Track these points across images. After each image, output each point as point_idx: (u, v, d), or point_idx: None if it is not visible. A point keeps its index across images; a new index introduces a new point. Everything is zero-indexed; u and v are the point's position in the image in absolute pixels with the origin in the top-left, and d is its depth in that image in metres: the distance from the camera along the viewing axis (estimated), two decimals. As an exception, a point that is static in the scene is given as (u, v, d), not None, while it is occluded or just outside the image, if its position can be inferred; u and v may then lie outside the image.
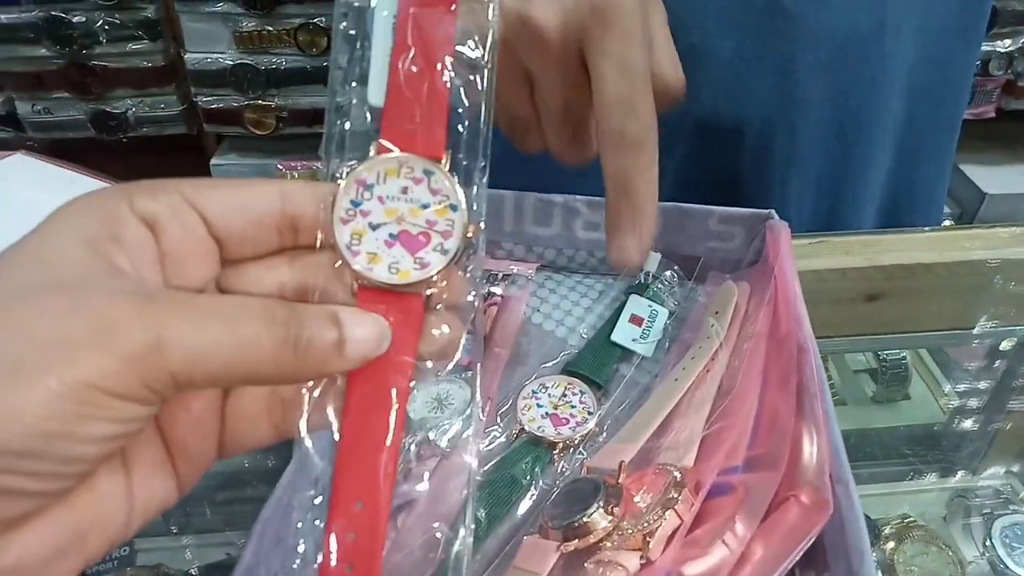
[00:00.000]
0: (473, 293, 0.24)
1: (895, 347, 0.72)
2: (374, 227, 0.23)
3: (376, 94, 0.24)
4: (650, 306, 0.48)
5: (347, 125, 0.24)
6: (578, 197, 0.50)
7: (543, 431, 0.41)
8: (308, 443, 0.23)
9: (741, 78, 0.57)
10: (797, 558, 0.31)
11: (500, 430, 0.41)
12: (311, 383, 0.23)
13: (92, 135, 1.24)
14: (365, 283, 0.23)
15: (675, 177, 0.61)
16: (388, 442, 0.23)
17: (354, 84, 0.24)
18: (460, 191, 0.24)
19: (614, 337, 0.46)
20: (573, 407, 0.42)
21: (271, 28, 1.13)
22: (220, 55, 1.16)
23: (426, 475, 0.38)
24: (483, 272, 0.25)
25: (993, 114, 1.31)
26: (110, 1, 1.10)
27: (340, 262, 0.24)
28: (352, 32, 0.24)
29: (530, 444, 0.40)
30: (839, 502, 0.33)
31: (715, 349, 0.43)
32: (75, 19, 1.11)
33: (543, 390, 0.43)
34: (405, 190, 0.24)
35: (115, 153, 1.32)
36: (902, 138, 0.64)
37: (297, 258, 0.24)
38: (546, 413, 0.42)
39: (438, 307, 0.24)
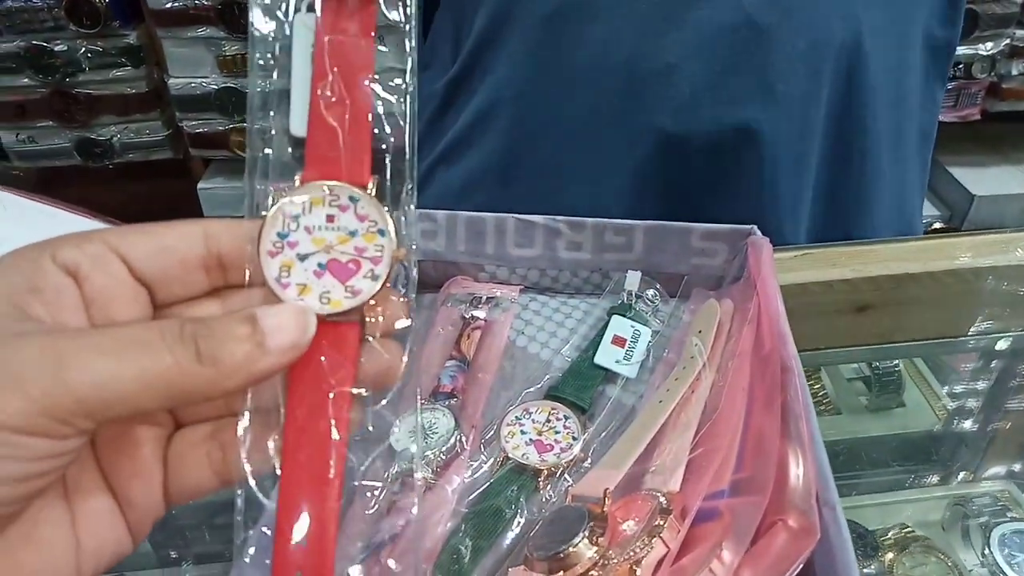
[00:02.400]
0: (410, 318, 0.24)
1: (886, 357, 0.72)
2: (302, 258, 0.23)
3: (298, 124, 0.24)
4: (632, 326, 0.47)
5: (269, 155, 0.24)
6: (559, 218, 0.50)
7: (527, 458, 0.40)
8: (252, 483, 0.22)
9: (718, 94, 0.57)
10: (786, 585, 0.31)
11: (485, 458, 0.41)
12: (246, 423, 0.23)
13: (78, 163, 1.23)
14: None
15: (657, 200, 0.60)
16: (331, 475, 0.22)
17: (273, 113, 0.24)
18: (388, 216, 0.23)
19: (597, 359, 0.46)
20: (557, 432, 0.42)
21: (254, 51, 1.13)
22: (204, 79, 1.16)
23: (413, 509, 0.38)
24: (414, 298, 0.25)
25: (978, 116, 1.31)
26: (92, 29, 1.10)
27: (266, 296, 0.23)
28: (270, 61, 0.24)
29: (515, 472, 0.40)
30: (826, 526, 0.32)
31: (699, 369, 0.43)
32: (57, 48, 1.11)
33: (527, 416, 0.42)
34: (331, 218, 0.23)
35: (103, 180, 1.31)
36: (894, 147, 0.64)
37: (228, 297, 0.25)
38: (530, 440, 0.41)
39: (376, 335, 0.24)
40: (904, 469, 0.74)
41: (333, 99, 0.23)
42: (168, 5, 1.08)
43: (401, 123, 0.24)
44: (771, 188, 0.59)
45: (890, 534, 0.68)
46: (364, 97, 0.24)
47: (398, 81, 0.24)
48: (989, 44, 1.22)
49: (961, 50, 1.23)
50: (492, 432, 0.42)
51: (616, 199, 0.61)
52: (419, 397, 0.43)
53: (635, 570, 0.32)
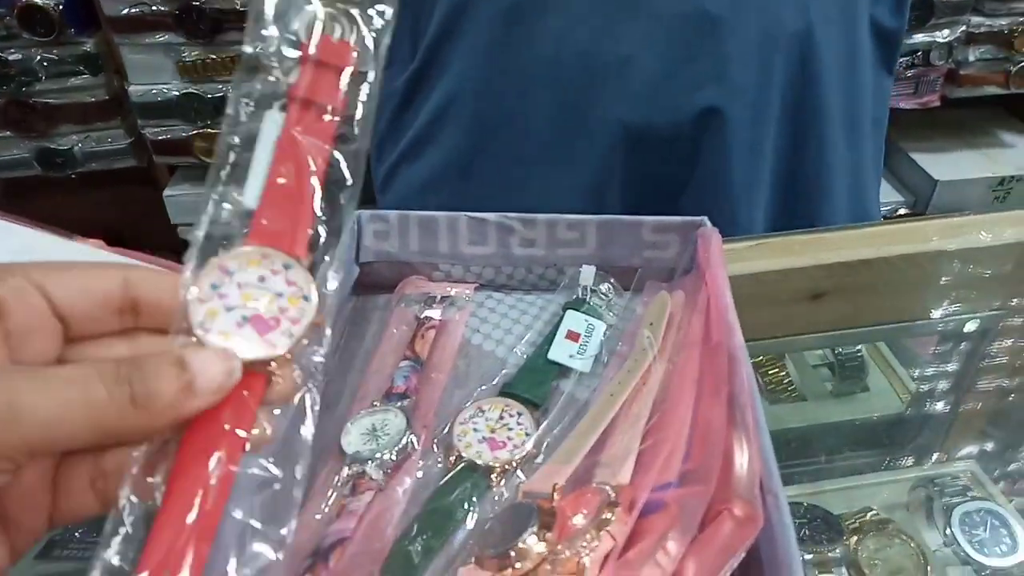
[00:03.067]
0: (300, 394, 0.26)
1: (845, 343, 0.72)
2: (228, 309, 0.25)
3: (251, 198, 0.27)
4: (587, 320, 0.48)
5: (222, 216, 0.27)
6: (511, 215, 0.50)
7: (480, 457, 0.40)
8: (124, 506, 0.23)
9: (675, 82, 0.57)
10: (729, 573, 0.31)
11: (437, 458, 0.41)
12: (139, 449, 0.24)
13: (39, 173, 1.22)
14: None
15: (622, 191, 0.61)
16: (208, 506, 0.23)
17: (225, 187, 0.27)
18: (314, 287, 0.26)
19: (551, 355, 0.46)
20: (510, 429, 0.42)
21: (214, 56, 1.12)
22: (165, 86, 1.14)
23: (360, 510, 0.38)
24: (321, 364, 0.27)
25: (938, 103, 1.33)
26: (46, 37, 1.08)
27: (187, 339, 0.25)
28: (236, 142, 0.27)
29: (467, 471, 0.40)
30: (769, 513, 0.33)
31: (649, 362, 0.43)
32: (11, 56, 1.09)
33: (479, 414, 0.42)
34: (263, 279, 0.26)
35: (67, 191, 1.29)
36: (848, 134, 0.64)
37: (136, 339, 0.26)
38: (483, 438, 0.41)
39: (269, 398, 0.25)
40: (869, 453, 0.74)
41: (284, 183, 0.27)
42: (124, 11, 1.07)
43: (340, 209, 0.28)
44: (728, 174, 0.60)
45: (855, 518, 0.68)
46: (311, 188, 0.27)
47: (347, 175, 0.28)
48: (946, 31, 1.23)
49: (919, 37, 1.25)
50: (445, 431, 0.42)
51: (579, 193, 0.61)
52: (372, 400, 0.43)
53: (583, 564, 0.32)
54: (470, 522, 0.38)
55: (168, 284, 0.26)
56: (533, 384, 0.44)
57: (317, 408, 0.26)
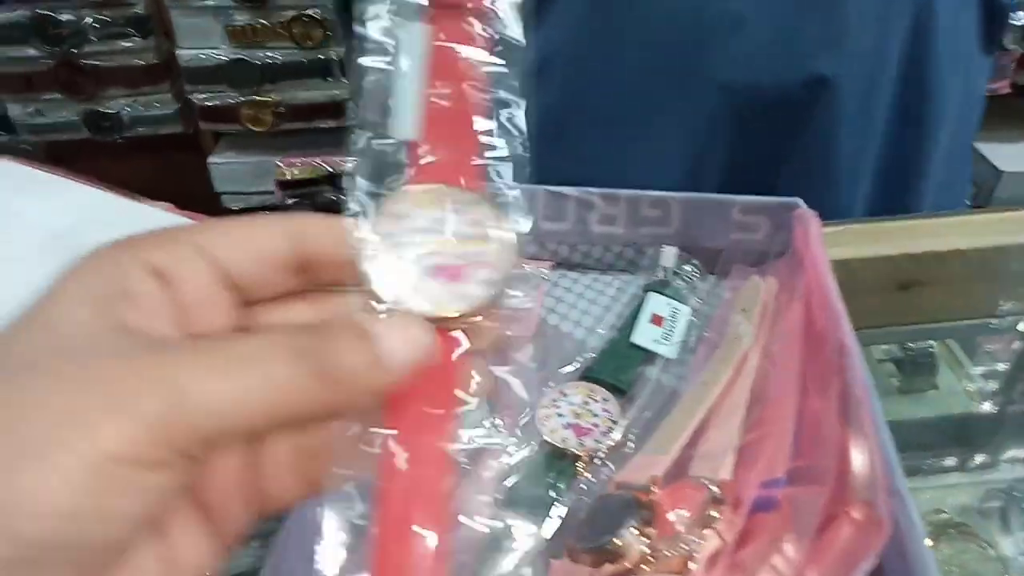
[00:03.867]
0: (510, 330, 0.22)
1: (925, 338, 0.69)
2: (409, 260, 0.21)
3: (405, 127, 0.23)
4: (670, 304, 0.45)
5: (373, 150, 0.23)
6: (592, 190, 0.48)
7: (566, 442, 0.38)
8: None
9: (787, 46, 0.54)
10: (856, 582, 0.29)
11: (519, 443, 0.39)
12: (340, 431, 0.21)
13: (86, 136, 1.21)
14: None
15: (720, 165, 0.58)
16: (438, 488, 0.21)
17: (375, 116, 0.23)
18: (502, 220, 0.22)
19: (634, 339, 0.43)
20: (595, 415, 0.40)
21: (264, 21, 1.10)
22: (213, 51, 1.13)
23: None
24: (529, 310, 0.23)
25: (1008, 89, 1.28)
26: (98, -2, 1.07)
27: (368, 300, 0.21)
28: (376, 64, 0.23)
29: (552, 457, 0.38)
30: (896, 518, 0.30)
31: (745, 350, 0.41)
32: (63, 18, 1.08)
33: (563, 398, 0.40)
34: (441, 221, 0.22)
35: (112, 154, 1.29)
36: (951, 115, 0.61)
37: (318, 300, 0.23)
38: (568, 423, 0.39)
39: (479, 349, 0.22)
40: (939, 453, 0.72)
41: (443, 104, 0.22)
42: (176, -27, 1.05)
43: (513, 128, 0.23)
44: (836, 149, 0.56)
45: (927, 520, 0.66)
46: (474, 103, 0.23)
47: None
48: (1021, 13, 1.18)
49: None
50: (526, 415, 0.40)
51: (674, 163, 0.58)
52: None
53: (689, 564, 0.30)
54: (559, 511, 0.36)
55: (336, 232, 0.22)
56: (618, 369, 0.42)
57: (534, 365, 0.23)
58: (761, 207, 0.47)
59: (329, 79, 1.15)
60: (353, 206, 0.22)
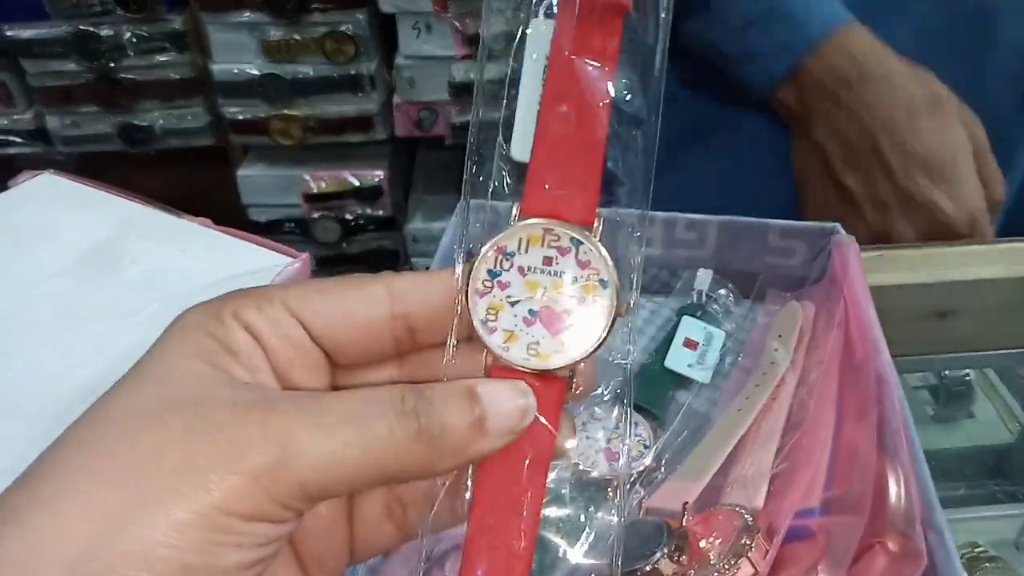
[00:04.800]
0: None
1: (962, 366, 0.68)
2: (513, 302, 0.21)
3: (521, 148, 0.21)
4: (705, 328, 0.45)
5: (490, 175, 0.22)
6: (628, 210, 0.47)
7: (597, 467, 0.38)
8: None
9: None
10: (891, 617, 0.28)
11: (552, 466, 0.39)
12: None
13: (120, 148, 1.23)
14: (500, 363, 0.21)
15: None
16: (520, 546, 0.21)
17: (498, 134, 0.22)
18: (612, 264, 0.21)
19: (668, 363, 0.43)
20: (627, 440, 0.39)
21: (298, 37, 1.12)
22: (247, 65, 1.14)
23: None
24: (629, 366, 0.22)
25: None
26: (137, 14, 1.09)
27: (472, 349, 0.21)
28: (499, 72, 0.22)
29: (583, 482, 0.37)
30: (932, 551, 0.30)
31: (780, 376, 0.40)
32: (103, 32, 1.10)
33: (594, 421, 0.40)
34: (549, 261, 0.21)
35: (143, 166, 1.31)
36: None
37: (408, 360, 0.23)
38: (599, 448, 0.39)
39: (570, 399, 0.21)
40: (974, 484, 0.70)
41: (563, 124, 0.21)
42: (214, -11, 1.07)
43: (636, 159, 0.22)
44: None
45: (961, 554, 0.64)
46: (599, 126, 0.21)
47: (637, 107, 0.22)
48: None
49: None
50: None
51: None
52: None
53: (723, 594, 0.30)
54: (588, 537, 0.35)
55: (440, 289, 0.21)
56: (650, 393, 0.42)
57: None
58: (798, 232, 0.47)
59: (360, 94, 1.16)
60: (464, 232, 0.22)
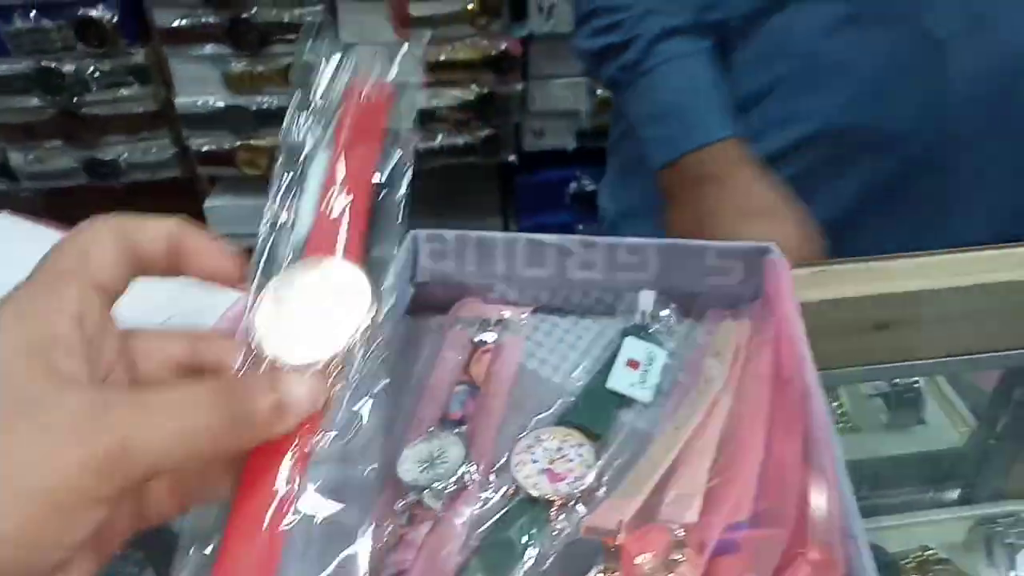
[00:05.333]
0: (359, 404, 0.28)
1: (907, 375, 0.70)
2: (289, 318, 0.27)
3: (303, 226, 0.30)
4: (647, 348, 0.46)
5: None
6: (572, 237, 0.49)
7: (539, 488, 0.39)
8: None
9: (887, 94, 0.59)
10: (810, 624, 0.29)
11: (494, 489, 0.40)
12: None
13: (85, 182, 1.23)
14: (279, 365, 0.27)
15: (852, 201, 0.63)
16: (264, 527, 0.24)
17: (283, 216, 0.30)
18: (368, 284, 0.28)
19: (610, 383, 0.44)
20: (570, 461, 0.40)
21: (261, 68, 1.13)
22: (211, 97, 1.16)
23: (418, 540, 0.37)
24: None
25: None
26: (99, 48, 1.10)
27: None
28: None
29: (526, 503, 0.38)
30: (850, 560, 0.31)
31: (715, 393, 0.41)
32: (65, 68, 1.11)
33: (538, 443, 0.41)
34: (317, 286, 0.28)
35: (110, 200, 1.31)
36: None
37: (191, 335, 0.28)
38: (542, 469, 0.40)
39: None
40: (925, 488, 0.72)
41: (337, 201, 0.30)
42: (176, 23, 1.08)
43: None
44: (944, 195, 0.63)
45: (911, 557, 0.66)
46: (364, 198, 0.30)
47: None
48: None
49: None
50: (503, 461, 0.41)
51: None
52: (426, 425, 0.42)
53: (653, 608, 0.31)
54: (529, 558, 0.36)
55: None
56: (594, 414, 0.43)
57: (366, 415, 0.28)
58: (735, 252, 0.48)
59: (324, 123, 1.18)
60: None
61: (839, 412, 0.78)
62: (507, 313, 0.50)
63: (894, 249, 0.59)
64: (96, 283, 0.25)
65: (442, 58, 1.08)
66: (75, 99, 1.14)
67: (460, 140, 1.08)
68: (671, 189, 0.62)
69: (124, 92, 1.16)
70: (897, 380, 0.76)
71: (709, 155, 0.60)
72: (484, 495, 0.39)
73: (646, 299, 0.49)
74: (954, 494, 0.71)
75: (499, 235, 0.49)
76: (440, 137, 1.06)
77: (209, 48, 1.12)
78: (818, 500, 0.33)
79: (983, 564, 0.66)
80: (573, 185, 1.38)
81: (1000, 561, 0.64)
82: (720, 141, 0.60)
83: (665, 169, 0.62)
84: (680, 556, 0.33)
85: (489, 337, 0.48)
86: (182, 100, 1.16)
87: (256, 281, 0.29)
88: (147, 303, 0.43)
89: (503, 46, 1.03)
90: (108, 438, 0.21)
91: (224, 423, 0.23)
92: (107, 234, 0.26)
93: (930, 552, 0.66)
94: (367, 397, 0.28)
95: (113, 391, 0.24)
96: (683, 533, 0.34)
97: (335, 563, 0.27)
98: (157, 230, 0.27)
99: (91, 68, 1.12)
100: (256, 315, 0.27)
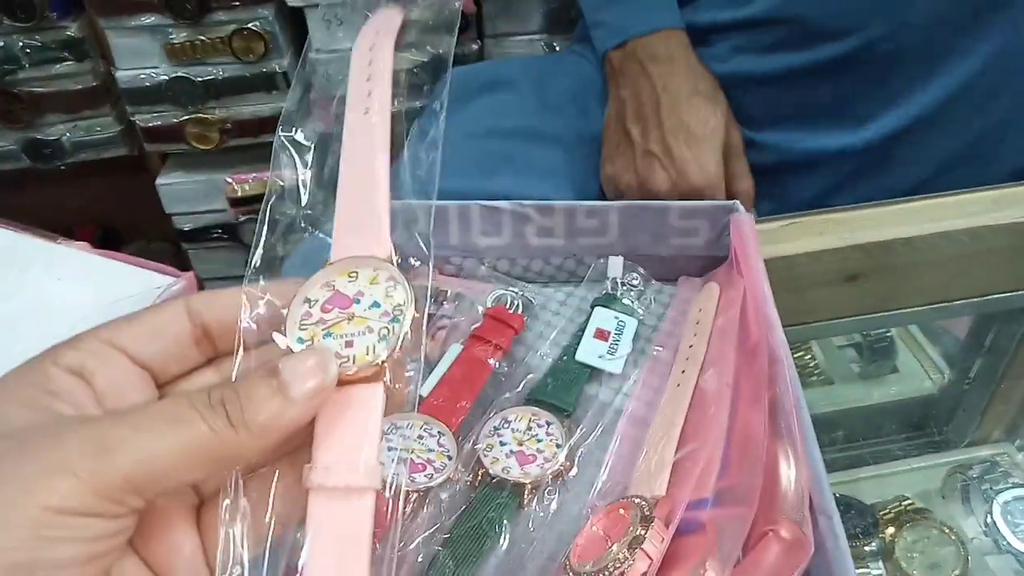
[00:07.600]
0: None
1: (880, 326, 0.69)
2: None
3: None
4: (616, 317, 0.44)
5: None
6: (527, 202, 0.47)
7: (509, 472, 0.37)
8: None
9: None
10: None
11: (463, 474, 0.38)
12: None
13: (28, 165, 1.17)
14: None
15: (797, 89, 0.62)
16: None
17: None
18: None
19: (579, 356, 0.43)
20: (540, 441, 0.39)
21: (203, 38, 1.07)
22: (153, 70, 1.10)
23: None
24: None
25: None
26: (27, 23, 1.03)
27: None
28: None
29: (495, 488, 0.37)
30: (822, 537, 0.30)
31: (685, 363, 0.40)
32: (-9, 45, 1.04)
33: (505, 425, 0.39)
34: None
35: (58, 182, 1.26)
36: None
37: (221, 363, 0.26)
38: (511, 451, 0.38)
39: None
40: (901, 438, 0.72)
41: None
42: (108, -6, 1.02)
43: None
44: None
45: (889, 507, 0.66)
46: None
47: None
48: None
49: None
50: (469, 445, 0.39)
51: None
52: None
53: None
54: (503, 544, 0.35)
55: (226, 301, 0.25)
56: (561, 389, 0.41)
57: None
58: (699, 211, 0.46)
59: (274, 92, 1.13)
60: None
61: (812, 365, 0.77)
62: (463, 292, 0.48)
63: (838, 144, 0.62)
64: (117, 345, 0.24)
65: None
66: (7, 77, 1.08)
67: (418, 103, 1.03)
68: (619, 68, 0.63)
69: (59, 68, 1.09)
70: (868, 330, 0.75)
71: (658, 39, 0.62)
72: (452, 480, 0.37)
73: (615, 265, 0.47)
74: (929, 442, 0.71)
75: (452, 203, 0.47)
76: (396, 102, 1.01)
77: (147, 18, 1.06)
78: (787, 473, 0.32)
79: (960, 511, 0.66)
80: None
81: (977, 507, 0.64)
82: (668, 28, 0.62)
83: (614, 50, 0.64)
84: (643, 532, 0.31)
85: (445, 311, 0.46)
86: (123, 74, 1.10)
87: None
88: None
89: (456, 5, 0.97)
90: (90, 449, 0.20)
91: (218, 426, 0.21)
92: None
93: (908, 502, 0.65)
94: None
95: (102, 414, 0.22)
96: (648, 509, 0.32)
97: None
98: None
99: (21, 43, 1.05)
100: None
